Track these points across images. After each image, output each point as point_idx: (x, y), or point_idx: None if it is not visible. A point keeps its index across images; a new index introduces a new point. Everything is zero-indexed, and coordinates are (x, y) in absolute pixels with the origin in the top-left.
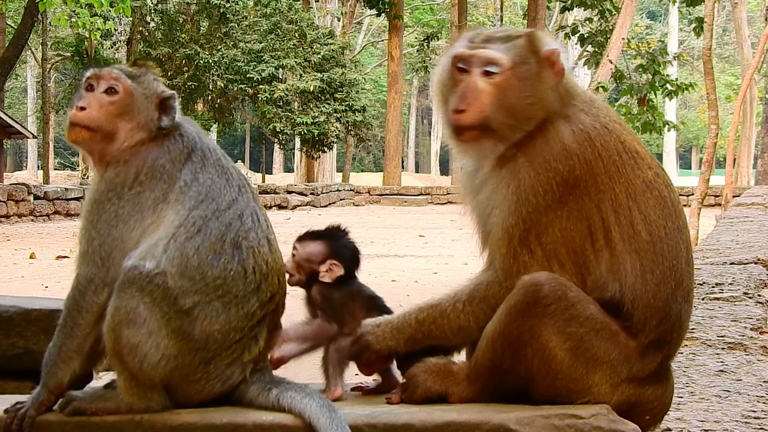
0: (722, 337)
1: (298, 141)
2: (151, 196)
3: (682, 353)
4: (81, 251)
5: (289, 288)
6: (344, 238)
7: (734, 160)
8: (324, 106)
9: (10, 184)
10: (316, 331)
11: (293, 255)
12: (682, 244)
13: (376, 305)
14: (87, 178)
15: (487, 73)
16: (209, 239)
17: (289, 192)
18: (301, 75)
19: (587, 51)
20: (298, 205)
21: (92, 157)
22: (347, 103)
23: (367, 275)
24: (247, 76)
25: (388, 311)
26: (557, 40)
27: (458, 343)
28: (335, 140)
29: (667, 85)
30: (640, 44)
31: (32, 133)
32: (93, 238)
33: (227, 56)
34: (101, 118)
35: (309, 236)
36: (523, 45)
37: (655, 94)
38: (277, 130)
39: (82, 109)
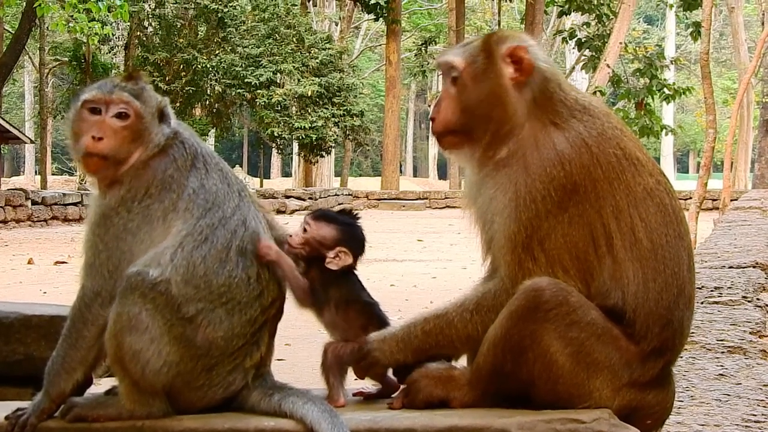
0: (722, 341)
1: (296, 145)
2: (161, 207)
3: (682, 357)
4: (87, 263)
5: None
6: (357, 227)
7: (732, 163)
8: (322, 111)
9: (8, 190)
10: (293, 275)
11: (304, 230)
12: (683, 252)
13: (374, 312)
14: (84, 183)
15: (453, 79)
16: (216, 247)
17: (287, 197)
18: (299, 80)
19: (585, 55)
20: (296, 210)
21: (102, 181)
22: (345, 107)
23: (365, 280)
24: (245, 80)
25: (385, 319)
26: (535, 39)
27: (466, 351)
28: (333, 145)
29: (665, 89)
30: (637, 48)
31: (30, 139)
32: (100, 250)
33: (225, 61)
34: (117, 146)
35: (324, 217)
36: (477, 45)
37: (653, 98)
38: (275, 134)
39: (100, 139)
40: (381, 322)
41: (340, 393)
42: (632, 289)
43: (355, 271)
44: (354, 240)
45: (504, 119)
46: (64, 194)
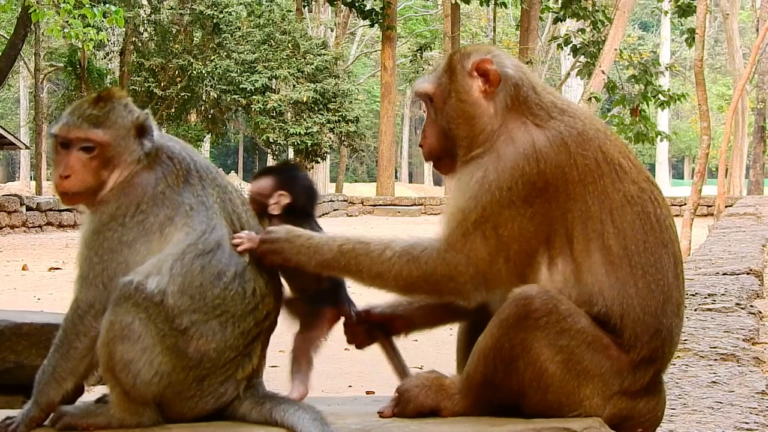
0: (715, 348)
1: (291, 151)
2: (156, 221)
3: (674, 365)
4: (81, 275)
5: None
6: (294, 171)
7: (726, 170)
8: (317, 117)
9: (3, 195)
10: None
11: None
12: (667, 259)
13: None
14: None
15: (429, 105)
16: (218, 259)
17: None
18: (294, 85)
19: (580, 62)
20: None
21: (87, 207)
22: (340, 113)
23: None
24: (241, 86)
25: (345, 296)
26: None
27: (367, 286)
28: (328, 151)
29: (660, 96)
30: (632, 55)
31: (25, 144)
32: (95, 262)
33: (220, 67)
34: (86, 179)
35: (260, 172)
36: (442, 67)
37: (648, 105)
38: (271, 140)
39: (67, 177)
40: (337, 293)
41: (298, 382)
42: (610, 294)
43: (316, 226)
44: (291, 182)
45: (478, 131)
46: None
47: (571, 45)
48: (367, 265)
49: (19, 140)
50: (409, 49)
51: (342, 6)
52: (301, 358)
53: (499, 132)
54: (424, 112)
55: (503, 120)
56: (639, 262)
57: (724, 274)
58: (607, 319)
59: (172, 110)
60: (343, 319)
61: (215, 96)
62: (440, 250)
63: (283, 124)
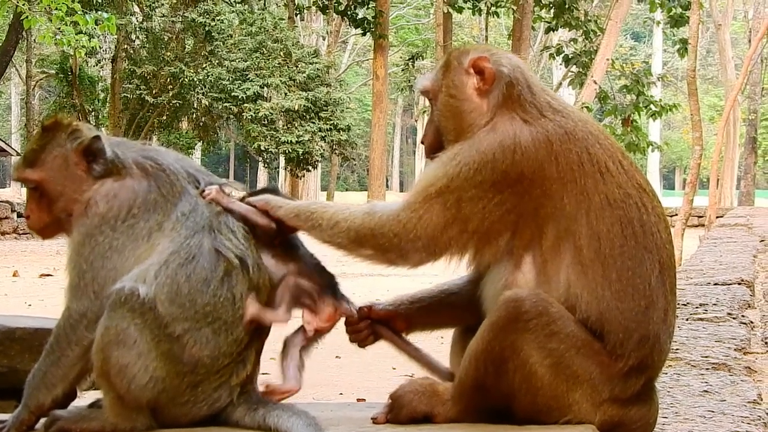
0: (706, 357)
1: (282, 160)
2: (146, 226)
3: (666, 373)
4: (72, 284)
5: None
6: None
7: (718, 180)
8: (309, 125)
9: None
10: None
11: None
12: (650, 264)
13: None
14: None
15: (430, 102)
16: (202, 266)
17: None
18: (286, 94)
19: (572, 71)
20: None
21: (66, 234)
22: (332, 122)
23: (351, 294)
24: (232, 94)
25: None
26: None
27: (325, 238)
28: (320, 159)
29: (651, 106)
30: (624, 65)
31: (16, 151)
32: (85, 270)
33: (212, 74)
34: (42, 217)
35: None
36: (441, 64)
37: (639, 115)
38: (262, 148)
39: (28, 217)
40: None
41: (291, 377)
42: (583, 294)
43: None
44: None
45: (466, 125)
46: None
47: (563, 55)
48: (330, 214)
49: (11, 147)
50: (401, 58)
51: (334, 14)
52: (292, 356)
53: (486, 125)
54: (416, 120)
55: (493, 116)
56: (613, 264)
57: (715, 284)
58: (589, 322)
59: (164, 118)
60: (344, 318)
61: (207, 104)
62: (397, 209)
63: (274, 133)
